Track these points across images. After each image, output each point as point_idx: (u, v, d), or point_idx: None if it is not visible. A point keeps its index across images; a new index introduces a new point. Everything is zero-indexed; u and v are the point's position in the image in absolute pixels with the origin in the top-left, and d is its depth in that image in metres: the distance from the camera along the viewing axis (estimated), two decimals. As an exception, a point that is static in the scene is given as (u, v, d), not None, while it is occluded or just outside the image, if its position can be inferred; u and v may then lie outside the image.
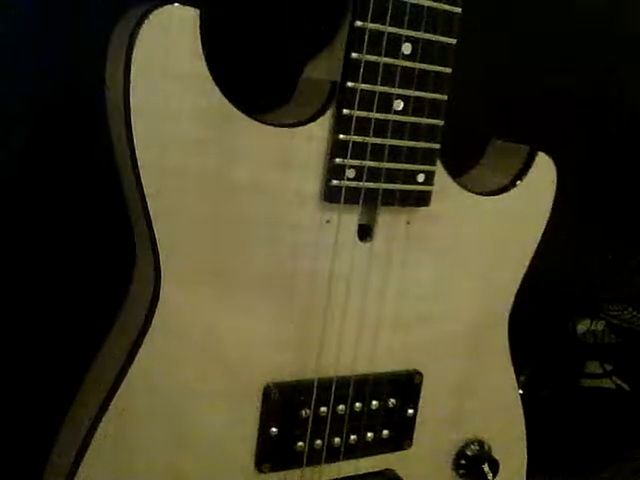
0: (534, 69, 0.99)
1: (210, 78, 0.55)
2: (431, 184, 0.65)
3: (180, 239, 0.57)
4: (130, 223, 0.61)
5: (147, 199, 0.55)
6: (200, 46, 0.54)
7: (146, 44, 0.52)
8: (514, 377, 0.77)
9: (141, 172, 0.54)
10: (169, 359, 0.58)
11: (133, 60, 0.51)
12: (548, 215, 0.74)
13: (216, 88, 0.55)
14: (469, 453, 0.74)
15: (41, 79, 0.74)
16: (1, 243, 0.75)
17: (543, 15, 0.98)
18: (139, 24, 0.51)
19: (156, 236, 0.56)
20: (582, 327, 1.22)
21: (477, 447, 0.74)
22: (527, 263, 0.74)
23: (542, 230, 0.74)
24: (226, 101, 0.56)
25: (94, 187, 0.76)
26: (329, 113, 0.60)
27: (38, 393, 0.77)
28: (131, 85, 0.52)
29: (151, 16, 0.51)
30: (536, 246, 0.74)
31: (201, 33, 0.54)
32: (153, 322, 0.57)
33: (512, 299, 0.75)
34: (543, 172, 0.73)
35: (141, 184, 0.54)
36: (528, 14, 0.97)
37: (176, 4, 0.53)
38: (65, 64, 0.74)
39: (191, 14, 0.53)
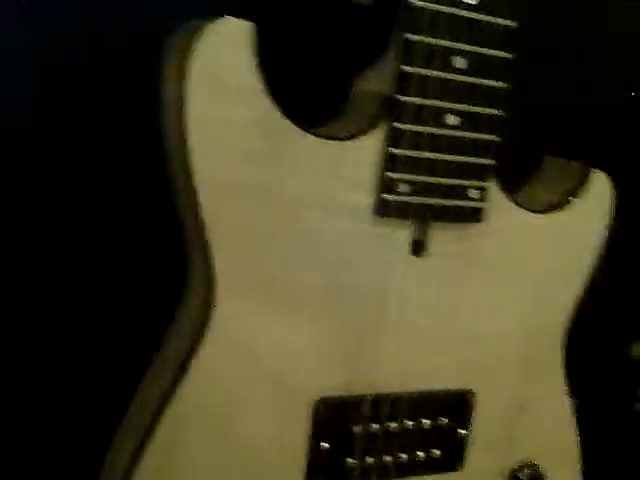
0: (589, 85, 0.97)
1: (264, 91, 0.55)
2: (484, 200, 0.64)
3: (232, 249, 0.57)
4: (183, 234, 0.61)
5: (200, 209, 0.55)
6: (254, 59, 0.54)
7: (202, 57, 0.52)
8: (569, 399, 0.75)
9: (195, 183, 0.54)
10: (221, 371, 0.58)
11: (189, 73, 0.52)
12: (604, 234, 0.73)
13: (270, 101, 0.55)
14: (522, 477, 0.72)
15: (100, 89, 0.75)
16: (58, 247, 0.77)
17: (593, 28, 0.96)
18: (195, 37, 0.52)
19: (209, 245, 0.56)
20: (637, 350, 1.19)
21: (530, 471, 0.73)
22: (583, 282, 0.73)
23: (598, 249, 0.73)
24: (279, 114, 0.56)
25: (150, 198, 0.77)
26: (381, 127, 0.60)
27: (91, 400, 0.78)
28: (187, 98, 0.52)
29: (207, 29, 0.52)
30: (592, 265, 0.73)
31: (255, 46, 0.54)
32: (205, 334, 0.57)
33: (568, 319, 0.73)
34: (599, 190, 0.71)
35: (195, 195, 0.55)
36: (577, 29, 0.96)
37: (231, 17, 0.53)
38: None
39: (246, 27, 0.53)
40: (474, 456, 0.70)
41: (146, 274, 0.79)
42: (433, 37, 0.58)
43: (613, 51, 0.98)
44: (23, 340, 0.77)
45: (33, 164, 0.75)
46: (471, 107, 0.61)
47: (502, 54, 0.61)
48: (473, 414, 0.69)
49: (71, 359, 0.78)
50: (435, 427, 0.67)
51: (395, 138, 0.59)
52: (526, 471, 0.73)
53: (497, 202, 0.66)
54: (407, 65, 0.58)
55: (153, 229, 0.77)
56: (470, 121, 0.62)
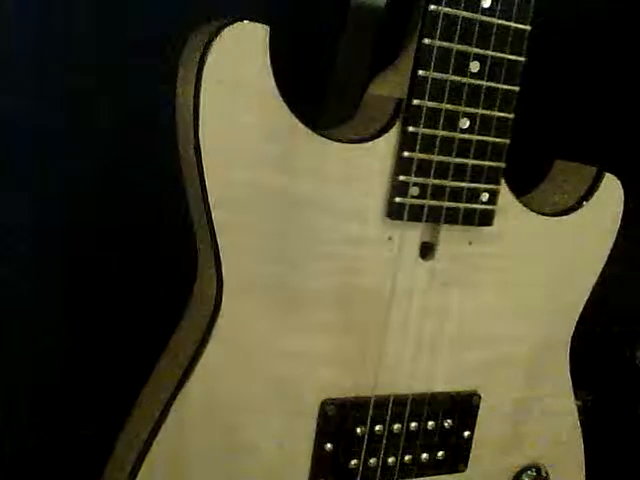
0: (596, 86, 0.97)
1: (278, 94, 0.55)
2: (495, 203, 0.64)
3: (242, 250, 0.57)
4: (193, 235, 0.61)
5: (212, 210, 0.55)
6: (269, 62, 0.54)
7: (217, 59, 0.52)
8: (574, 402, 0.75)
9: (207, 184, 0.55)
10: (227, 371, 0.59)
11: (204, 74, 0.52)
12: (614, 237, 0.73)
13: (283, 104, 0.55)
14: (526, 479, 0.73)
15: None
16: (65, 248, 0.77)
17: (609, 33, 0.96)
18: (211, 39, 0.52)
19: (219, 246, 0.57)
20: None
21: (534, 473, 0.73)
22: (591, 286, 0.73)
23: (608, 252, 0.73)
24: (293, 117, 0.56)
25: (157, 197, 0.77)
26: (394, 130, 0.60)
27: (97, 400, 0.79)
28: (201, 99, 0.52)
29: (223, 32, 0.52)
30: (601, 269, 0.73)
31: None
32: (213, 334, 0.58)
33: (574, 322, 0.73)
34: (610, 194, 0.71)
35: (206, 195, 0.55)
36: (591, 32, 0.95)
37: (246, 21, 0.53)
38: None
39: (262, 30, 0.54)
40: (479, 458, 0.70)
41: (154, 275, 0.79)
42: (448, 41, 0.58)
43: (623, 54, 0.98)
44: (31, 339, 0.77)
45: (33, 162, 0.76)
46: (484, 110, 0.61)
47: (516, 58, 0.61)
48: (478, 416, 0.69)
49: (79, 360, 0.79)
50: (440, 429, 0.67)
51: (408, 141, 0.59)
52: (530, 473, 0.73)
53: (508, 205, 0.66)
54: (422, 69, 0.58)
55: (161, 231, 0.78)
56: (483, 124, 0.62)
